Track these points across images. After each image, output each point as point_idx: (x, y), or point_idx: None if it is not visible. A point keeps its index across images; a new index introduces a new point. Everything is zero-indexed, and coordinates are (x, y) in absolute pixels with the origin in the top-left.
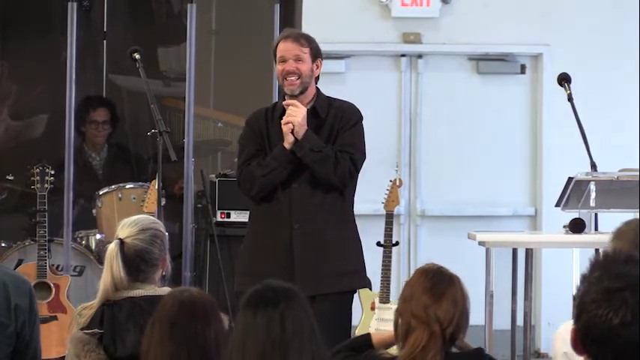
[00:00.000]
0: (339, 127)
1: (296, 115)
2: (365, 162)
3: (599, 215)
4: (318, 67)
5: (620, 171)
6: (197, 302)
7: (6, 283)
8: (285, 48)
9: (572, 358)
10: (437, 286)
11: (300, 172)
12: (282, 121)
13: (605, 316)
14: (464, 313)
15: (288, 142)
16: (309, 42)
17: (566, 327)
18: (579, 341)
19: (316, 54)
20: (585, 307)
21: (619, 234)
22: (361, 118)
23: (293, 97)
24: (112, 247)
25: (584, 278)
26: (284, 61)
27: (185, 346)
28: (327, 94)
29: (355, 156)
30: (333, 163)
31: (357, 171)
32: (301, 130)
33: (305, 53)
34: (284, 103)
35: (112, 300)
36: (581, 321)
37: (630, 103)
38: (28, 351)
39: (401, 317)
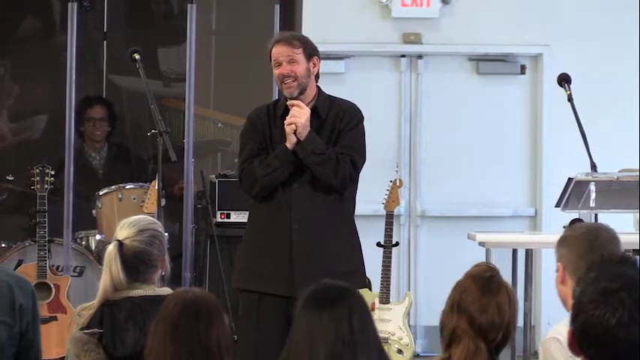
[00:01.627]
0: (340, 128)
1: (299, 116)
2: (365, 163)
3: (600, 216)
4: (315, 66)
5: (620, 171)
6: (200, 303)
7: (10, 284)
8: (278, 51)
9: None
10: (484, 297)
11: (301, 173)
12: (286, 122)
13: (602, 316)
14: (511, 323)
15: (291, 142)
16: (302, 42)
17: (560, 334)
18: (576, 342)
19: (311, 53)
20: (582, 307)
21: (570, 241)
22: (362, 118)
23: (292, 99)
24: (111, 249)
25: (581, 279)
26: (279, 64)
27: (187, 346)
28: (328, 94)
29: (356, 158)
30: (335, 166)
31: (358, 173)
32: (304, 132)
33: (298, 54)
34: (288, 103)
35: (112, 300)
36: (578, 321)
37: (630, 103)
38: (31, 351)
39: (446, 323)
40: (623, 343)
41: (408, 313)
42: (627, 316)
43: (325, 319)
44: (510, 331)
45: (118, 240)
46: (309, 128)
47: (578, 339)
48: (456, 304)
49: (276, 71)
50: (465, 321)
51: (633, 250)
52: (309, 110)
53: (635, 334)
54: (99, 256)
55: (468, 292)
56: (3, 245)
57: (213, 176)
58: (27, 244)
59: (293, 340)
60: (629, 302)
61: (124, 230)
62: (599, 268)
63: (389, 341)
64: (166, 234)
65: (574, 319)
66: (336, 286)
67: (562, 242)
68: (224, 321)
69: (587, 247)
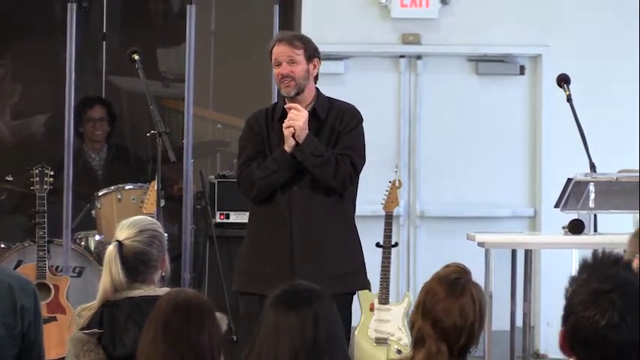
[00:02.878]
0: (339, 130)
1: (297, 119)
2: (364, 164)
3: (599, 216)
4: (315, 67)
5: (619, 172)
6: (192, 304)
7: (11, 284)
8: (279, 51)
9: None
10: (448, 299)
11: (300, 175)
12: (284, 125)
13: (593, 317)
14: (474, 326)
15: (289, 145)
16: (304, 43)
17: None
18: (567, 343)
19: (312, 54)
20: (573, 308)
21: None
22: (361, 120)
23: (290, 98)
24: (111, 250)
25: (573, 280)
26: (279, 64)
27: (178, 347)
28: (327, 95)
29: (355, 160)
30: (334, 168)
31: (357, 175)
32: (302, 134)
33: (299, 55)
34: (286, 106)
35: (112, 301)
36: (569, 322)
37: (630, 103)
38: (33, 352)
39: (413, 324)
40: (613, 344)
41: (408, 314)
42: (618, 317)
43: (292, 320)
44: (475, 333)
45: (118, 240)
46: (307, 131)
47: (569, 340)
48: (422, 306)
49: (275, 71)
50: (429, 323)
51: None
52: (307, 113)
53: (626, 335)
54: (98, 257)
55: (432, 293)
56: (2, 246)
57: (213, 177)
58: (26, 244)
59: (257, 338)
60: (619, 304)
61: (123, 231)
62: (591, 268)
63: (388, 342)
64: (166, 234)
65: (565, 320)
66: (306, 288)
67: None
68: (216, 322)
69: None
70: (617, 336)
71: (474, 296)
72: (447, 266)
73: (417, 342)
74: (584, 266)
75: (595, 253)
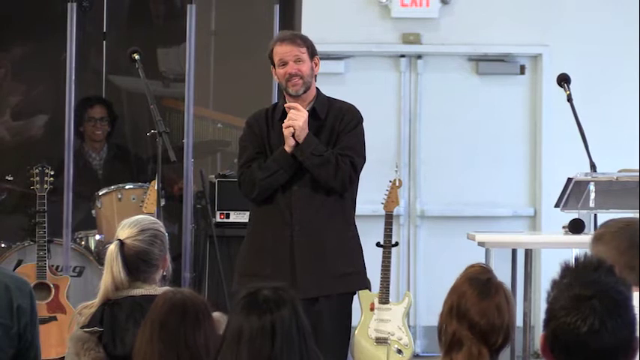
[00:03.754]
0: (339, 130)
1: (297, 118)
2: (365, 163)
3: (599, 216)
4: (316, 65)
5: (619, 171)
6: (188, 304)
7: (8, 285)
8: (284, 51)
9: None
10: (484, 300)
11: (300, 175)
12: (284, 125)
13: (574, 324)
14: (510, 324)
15: (289, 145)
16: (305, 41)
17: None
18: (548, 347)
19: (313, 52)
20: (554, 313)
21: (599, 237)
22: (361, 120)
23: (296, 97)
24: (112, 249)
25: (555, 284)
26: (285, 64)
27: (174, 347)
28: (327, 95)
29: (355, 160)
30: (334, 168)
31: (357, 175)
32: (302, 134)
33: (303, 53)
34: (285, 106)
35: (113, 299)
36: (550, 327)
37: (630, 103)
38: (29, 352)
39: (446, 327)
40: (594, 350)
41: (408, 313)
42: (599, 323)
43: (252, 324)
44: (510, 332)
45: (120, 239)
46: (307, 131)
47: (550, 344)
48: (455, 309)
49: (280, 70)
50: (466, 326)
51: None
52: (307, 113)
53: (607, 341)
54: (98, 257)
55: (466, 296)
56: (2, 245)
57: (213, 176)
58: (26, 244)
59: (223, 341)
60: (600, 310)
61: (125, 230)
62: (572, 273)
63: (388, 341)
64: (166, 233)
65: (546, 325)
66: (267, 294)
67: (599, 239)
68: (212, 322)
69: (628, 243)
70: (598, 342)
71: (506, 294)
72: (472, 266)
73: (454, 345)
74: (566, 270)
75: (577, 258)
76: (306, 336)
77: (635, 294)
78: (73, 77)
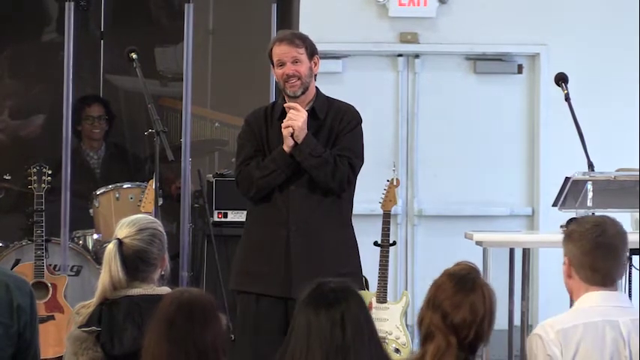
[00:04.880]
0: (338, 130)
1: (296, 119)
2: (363, 164)
3: (597, 215)
4: (316, 65)
5: (617, 170)
6: (195, 303)
7: (8, 284)
8: (282, 51)
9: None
10: (458, 294)
11: (298, 175)
12: (283, 125)
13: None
14: (484, 322)
15: (288, 145)
16: (304, 41)
17: (542, 330)
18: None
19: (312, 52)
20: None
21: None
22: (360, 120)
23: (295, 98)
24: (111, 248)
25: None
26: (282, 64)
27: (182, 346)
28: (326, 95)
29: (354, 161)
30: (332, 169)
31: (355, 176)
32: (301, 135)
33: (302, 54)
34: (285, 105)
35: (111, 299)
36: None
37: (628, 102)
38: (29, 351)
39: (422, 320)
40: None
41: (405, 313)
42: None
43: (321, 321)
44: (484, 330)
45: (118, 238)
46: (306, 131)
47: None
48: (431, 301)
49: (279, 71)
50: (439, 317)
51: (632, 249)
52: (306, 113)
53: None
54: (96, 256)
55: (442, 289)
56: (0, 244)
57: (211, 175)
58: (24, 243)
59: (291, 338)
60: None
61: (123, 229)
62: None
63: (386, 340)
64: (165, 233)
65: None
66: (334, 287)
67: (569, 237)
68: (220, 322)
69: (592, 245)
70: None
71: (484, 293)
72: (458, 264)
73: (427, 337)
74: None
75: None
76: (373, 326)
77: (597, 293)
78: (71, 76)
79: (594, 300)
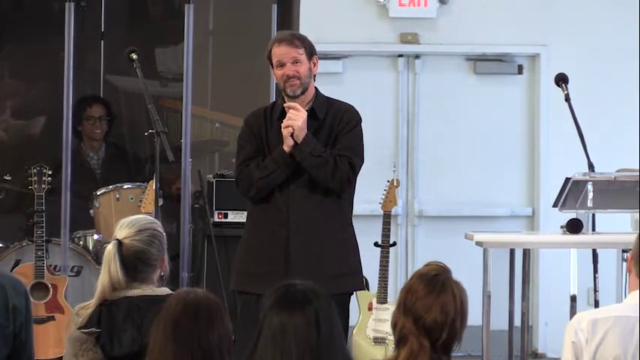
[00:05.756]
0: (338, 130)
1: (296, 118)
2: (363, 164)
3: (597, 216)
4: (315, 65)
5: (617, 171)
6: (201, 304)
7: (3, 284)
8: (282, 52)
9: (579, 347)
10: (428, 296)
11: (298, 175)
12: (282, 125)
13: None
14: (456, 322)
15: (288, 145)
16: (303, 41)
17: (577, 318)
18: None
19: (311, 52)
20: None
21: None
22: (360, 120)
23: (294, 97)
24: (110, 248)
25: None
26: (282, 65)
27: (188, 347)
28: (325, 94)
29: (354, 160)
30: (332, 168)
31: (355, 175)
32: (301, 134)
33: (301, 54)
34: (285, 105)
35: (110, 300)
36: None
37: (628, 103)
38: (24, 352)
39: (396, 324)
40: None
41: None
42: None
43: (297, 320)
44: (456, 329)
45: (118, 239)
46: (306, 131)
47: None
48: (402, 304)
49: (278, 71)
50: (411, 320)
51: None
52: (306, 113)
53: None
54: (96, 256)
55: (412, 291)
56: (0, 245)
57: (211, 176)
58: (24, 244)
59: (260, 340)
60: None
61: (123, 230)
62: None
63: (386, 341)
64: (164, 233)
65: None
66: (304, 287)
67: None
68: (225, 322)
69: None
70: None
71: (454, 292)
72: (428, 264)
73: (400, 340)
74: None
75: None
76: (341, 326)
77: None
78: (71, 77)
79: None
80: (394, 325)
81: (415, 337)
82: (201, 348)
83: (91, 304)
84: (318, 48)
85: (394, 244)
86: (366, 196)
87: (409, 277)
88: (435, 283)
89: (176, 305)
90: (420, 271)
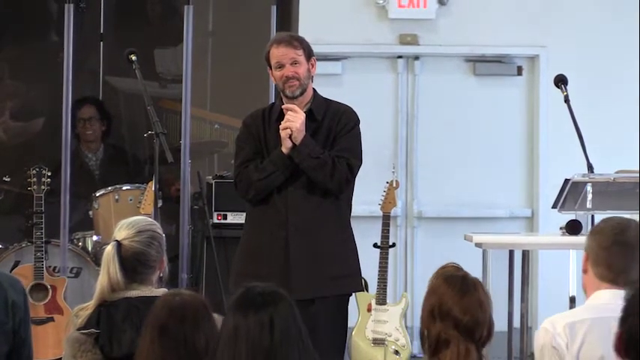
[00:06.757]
0: (336, 131)
1: (294, 120)
2: (361, 165)
3: (596, 217)
4: (313, 66)
5: (616, 172)
6: (187, 306)
7: (1, 282)
8: (281, 53)
9: (561, 352)
10: (464, 298)
11: (297, 176)
12: (281, 126)
13: None
14: (492, 318)
15: (286, 147)
16: (301, 43)
17: (550, 322)
18: (622, 345)
19: (309, 53)
20: (632, 311)
21: (597, 231)
22: (358, 121)
23: (293, 98)
24: (109, 249)
25: (632, 283)
26: (281, 66)
27: (175, 350)
28: (324, 96)
29: (352, 161)
30: (330, 170)
31: (354, 176)
32: (299, 136)
33: (300, 56)
34: (283, 107)
35: (109, 301)
36: (627, 325)
37: (627, 104)
38: (23, 349)
39: (429, 329)
40: None
41: (405, 314)
42: None
43: (249, 323)
44: (492, 324)
45: (117, 240)
46: (304, 132)
47: (625, 343)
48: (437, 310)
49: (277, 73)
50: (451, 325)
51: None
52: (304, 114)
53: None
54: (96, 257)
55: (446, 295)
56: (0, 246)
57: (210, 177)
58: (24, 245)
59: (219, 341)
60: None
61: (122, 231)
62: None
63: (386, 342)
64: (164, 235)
65: (623, 323)
66: (263, 291)
67: (592, 232)
68: (213, 323)
69: (610, 241)
70: None
71: (484, 290)
72: (444, 267)
73: (440, 346)
74: None
75: None
76: (302, 331)
77: (608, 291)
78: (70, 79)
79: (605, 298)
80: (426, 333)
81: (460, 341)
82: (187, 350)
83: (90, 305)
84: (317, 49)
85: (393, 245)
86: (366, 198)
87: (407, 277)
88: (467, 284)
89: (161, 310)
90: (444, 274)
